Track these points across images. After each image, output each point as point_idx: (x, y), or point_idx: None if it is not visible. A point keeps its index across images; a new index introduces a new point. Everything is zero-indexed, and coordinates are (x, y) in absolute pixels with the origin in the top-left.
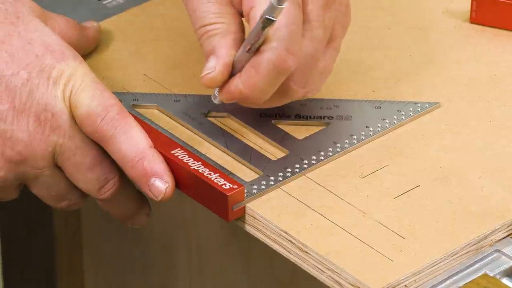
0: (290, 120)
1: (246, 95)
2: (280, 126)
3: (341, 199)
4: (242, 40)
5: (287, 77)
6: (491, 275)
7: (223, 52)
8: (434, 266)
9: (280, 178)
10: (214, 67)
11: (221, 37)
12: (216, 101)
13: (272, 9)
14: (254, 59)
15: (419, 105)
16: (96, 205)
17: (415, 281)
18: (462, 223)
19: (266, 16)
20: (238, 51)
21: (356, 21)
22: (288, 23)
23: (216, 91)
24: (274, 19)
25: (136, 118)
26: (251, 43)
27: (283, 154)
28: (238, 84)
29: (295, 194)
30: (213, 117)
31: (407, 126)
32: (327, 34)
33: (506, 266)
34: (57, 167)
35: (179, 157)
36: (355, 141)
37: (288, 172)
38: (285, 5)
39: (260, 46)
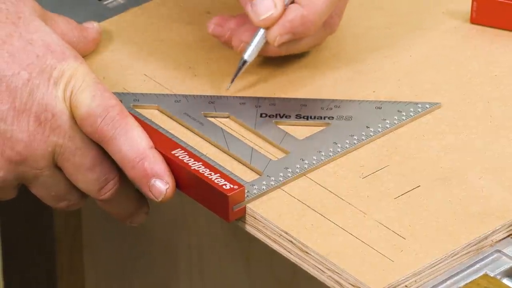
0: (291, 120)
1: (307, 19)
2: (280, 126)
3: (342, 199)
4: None
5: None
6: (492, 275)
7: None
8: (434, 266)
9: (281, 178)
10: (274, 6)
11: None
12: (248, 55)
13: None
14: None
15: (419, 105)
16: (97, 205)
17: (415, 281)
18: (463, 223)
19: None
20: None
21: (356, 21)
22: None
23: (253, 45)
24: None
25: (136, 118)
26: None
27: (283, 154)
28: (298, 9)
29: (296, 194)
30: (214, 117)
31: (408, 126)
32: None
33: (506, 267)
34: (57, 168)
35: (180, 157)
36: (355, 141)
37: (289, 172)
38: None
39: None
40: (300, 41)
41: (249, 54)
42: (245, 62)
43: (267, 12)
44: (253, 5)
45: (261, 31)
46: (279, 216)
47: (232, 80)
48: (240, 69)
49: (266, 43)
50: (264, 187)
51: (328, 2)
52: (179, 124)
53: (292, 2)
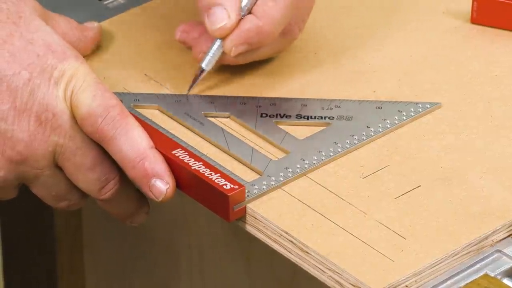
0: (291, 120)
1: (263, 30)
2: (281, 126)
3: (342, 199)
4: None
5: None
6: (492, 275)
7: (231, 2)
8: (435, 266)
9: (281, 178)
10: (228, 17)
11: None
12: (205, 64)
13: None
14: None
15: (420, 105)
16: (97, 205)
17: (415, 281)
18: (463, 223)
19: None
20: None
21: (357, 21)
22: None
23: (211, 53)
24: None
25: (137, 118)
26: None
27: (284, 154)
28: (253, 20)
29: (296, 194)
30: (214, 117)
31: (408, 126)
32: None
33: (507, 267)
34: (58, 167)
35: (180, 157)
36: (356, 141)
37: (289, 172)
38: None
39: None
40: (258, 50)
41: (206, 63)
42: (203, 70)
43: (221, 22)
44: (209, 15)
45: (218, 41)
46: (280, 216)
47: (190, 87)
48: (197, 77)
49: (224, 52)
50: (265, 187)
51: (284, 13)
52: (180, 124)
53: (250, 13)
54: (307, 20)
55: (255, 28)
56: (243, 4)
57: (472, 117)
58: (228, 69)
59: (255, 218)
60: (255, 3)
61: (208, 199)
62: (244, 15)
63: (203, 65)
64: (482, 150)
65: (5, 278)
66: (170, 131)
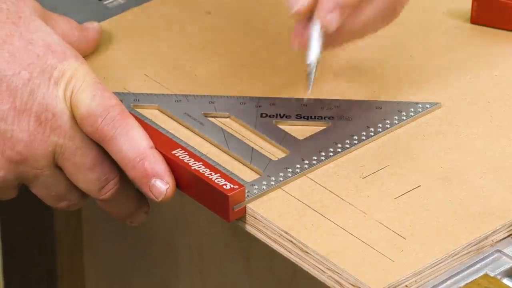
0: (291, 120)
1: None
2: (280, 126)
3: (342, 199)
4: None
5: None
6: (492, 275)
7: None
8: (434, 266)
9: (281, 178)
10: None
11: None
12: (310, 60)
13: None
14: None
15: (419, 105)
16: (97, 205)
17: (415, 281)
18: (463, 223)
19: None
20: None
21: None
22: None
23: (311, 46)
24: None
25: (136, 118)
26: None
27: (284, 154)
28: None
29: (296, 194)
30: (214, 117)
31: (408, 126)
32: None
33: (507, 267)
34: (57, 167)
35: (180, 157)
36: (355, 141)
37: (289, 172)
38: None
39: None
40: (361, 13)
41: (310, 58)
42: (309, 65)
43: (298, 3)
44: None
45: (313, 27)
46: (279, 216)
47: (309, 88)
48: (309, 75)
49: (327, 35)
50: (264, 187)
51: None
52: (180, 124)
53: None
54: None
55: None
56: None
57: (472, 117)
58: (228, 69)
59: (255, 218)
60: None
61: (208, 199)
62: None
63: (308, 61)
64: (482, 150)
65: (5, 278)
66: (170, 131)
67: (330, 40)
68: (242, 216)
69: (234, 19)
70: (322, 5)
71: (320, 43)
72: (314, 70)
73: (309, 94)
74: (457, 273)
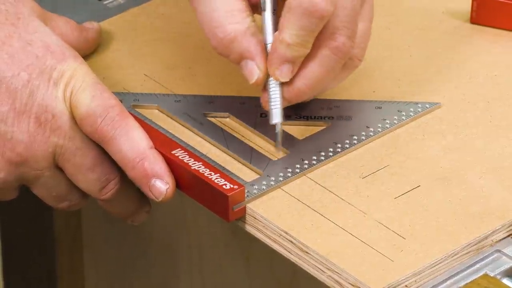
0: (291, 120)
1: (287, 43)
2: None
3: (342, 199)
4: (257, 30)
5: (335, 33)
6: (492, 275)
7: (253, 53)
8: (434, 266)
9: (281, 178)
10: (258, 70)
11: (250, 36)
12: (273, 119)
13: None
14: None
15: (419, 105)
16: (97, 205)
17: (415, 281)
18: (463, 223)
19: None
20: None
21: None
22: None
23: (273, 110)
24: None
25: (136, 118)
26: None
27: (283, 154)
28: (276, 38)
29: (296, 194)
30: (214, 117)
31: (408, 126)
32: None
33: (506, 266)
34: (58, 168)
35: (180, 157)
36: (355, 141)
37: (289, 172)
38: None
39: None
40: (317, 86)
41: (273, 117)
42: (276, 125)
43: (253, 76)
44: (241, 70)
45: (270, 88)
46: (279, 216)
47: (277, 145)
48: (276, 132)
49: (284, 96)
50: (264, 187)
51: (301, 25)
52: (179, 124)
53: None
54: (366, 47)
55: (279, 43)
56: (266, 33)
57: (472, 117)
58: (227, 68)
59: (255, 218)
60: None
61: (208, 199)
62: (270, 46)
63: (272, 121)
64: (482, 150)
65: (5, 278)
66: (170, 131)
67: (291, 96)
68: (242, 216)
69: None
70: (271, 61)
71: (281, 99)
72: (280, 128)
73: (279, 150)
74: (457, 273)
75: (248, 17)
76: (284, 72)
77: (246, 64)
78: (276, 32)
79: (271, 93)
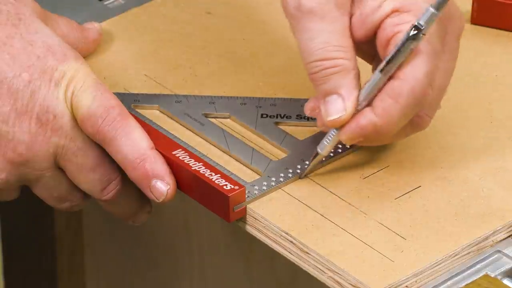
0: (291, 121)
1: (381, 128)
2: (281, 126)
3: (342, 199)
4: (359, 76)
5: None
6: (492, 275)
7: (349, 92)
8: (435, 266)
9: (281, 179)
10: (344, 110)
11: (344, 74)
12: (321, 149)
13: (427, 17)
14: (392, 88)
15: None
16: (98, 206)
17: (416, 281)
18: (463, 223)
19: (418, 23)
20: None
21: None
22: (430, 52)
23: (327, 139)
24: (423, 29)
25: (137, 118)
26: (384, 66)
27: (284, 155)
28: (371, 117)
29: (296, 195)
30: (214, 117)
31: None
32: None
33: (507, 267)
34: (59, 169)
35: (180, 157)
36: None
37: (289, 172)
38: (440, 13)
39: (394, 73)
40: (411, 131)
41: (322, 147)
42: (317, 153)
43: (336, 114)
44: (325, 103)
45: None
46: (280, 216)
47: (306, 174)
48: (313, 159)
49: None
50: (265, 188)
51: (405, 112)
52: (180, 124)
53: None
54: (437, 108)
55: (371, 126)
56: (361, 96)
57: (473, 118)
58: (228, 69)
59: (255, 218)
60: (374, 96)
61: (209, 200)
62: (361, 108)
63: (319, 149)
64: (482, 150)
65: (6, 279)
66: (170, 132)
67: (346, 139)
68: (242, 216)
69: (234, 19)
70: (350, 128)
71: (335, 141)
72: (318, 159)
73: (301, 176)
74: (457, 274)
75: (355, 58)
76: (353, 141)
77: (334, 100)
78: (367, 110)
79: (331, 131)
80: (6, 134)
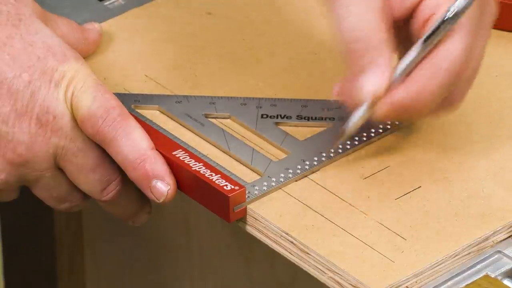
0: (292, 121)
1: (416, 104)
2: (281, 127)
3: (342, 200)
4: (394, 53)
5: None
6: (493, 276)
7: (384, 68)
8: (435, 267)
9: (282, 179)
10: (380, 85)
11: (380, 51)
12: (348, 126)
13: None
14: (430, 64)
15: None
16: (98, 206)
17: (416, 282)
18: (463, 224)
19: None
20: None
21: None
22: (468, 30)
23: (355, 117)
24: (460, 12)
25: (137, 119)
26: (425, 38)
27: (284, 155)
28: (407, 92)
29: (296, 195)
30: (215, 118)
31: (408, 126)
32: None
33: (507, 267)
34: (59, 169)
35: (181, 158)
36: (356, 142)
37: (290, 173)
38: None
39: (432, 49)
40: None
41: (349, 125)
42: (344, 131)
43: (372, 89)
44: (361, 79)
45: (365, 104)
46: (280, 216)
47: (333, 146)
48: (340, 136)
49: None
50: (265, 188)
51: (442, 86)
52: (180, 124)
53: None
54: (467, 91)
55: (407, 101)
56: (397, 72)
57: (473, 118)
58: (228, 69)
59: (256, 218)
60: (410, 73)
61: (209, 200)
62: (397, 83)
63: (347, 127)
64: (483, 150)
65: (6, 279)
66: (171, 132)
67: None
68: (242, 216)
69: (234, 19)
70: (385, 105)
71: (364, 118)
72: (345, 136)
73: (332, 149)
74: (458, 274)
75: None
76: (387, 118)
77: (370, 76)
78: (405, 84)
79: (361, 107)
80: (6, 135)
